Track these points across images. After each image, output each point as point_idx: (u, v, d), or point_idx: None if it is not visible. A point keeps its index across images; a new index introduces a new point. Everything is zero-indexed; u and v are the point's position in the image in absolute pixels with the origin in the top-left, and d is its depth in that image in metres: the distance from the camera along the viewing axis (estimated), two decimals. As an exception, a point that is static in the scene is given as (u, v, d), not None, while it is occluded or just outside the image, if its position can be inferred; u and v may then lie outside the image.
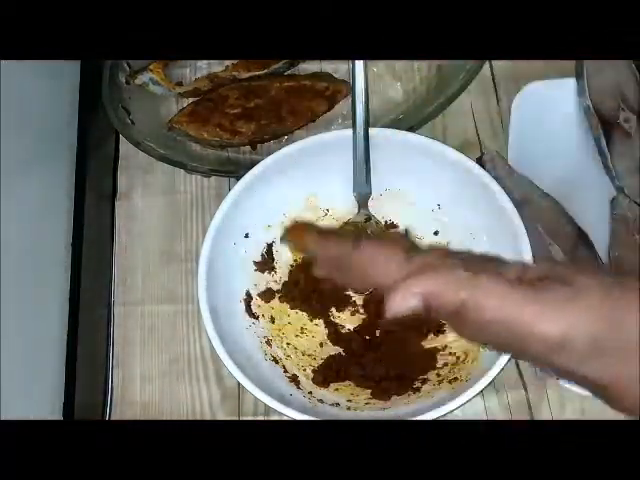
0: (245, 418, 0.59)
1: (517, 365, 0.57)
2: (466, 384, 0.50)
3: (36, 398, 0.56)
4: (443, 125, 0.67)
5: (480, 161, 0.59)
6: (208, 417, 0.59)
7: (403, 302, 0.34)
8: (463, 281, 0.34)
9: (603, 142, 0.60)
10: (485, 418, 0.56)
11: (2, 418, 0.48)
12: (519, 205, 0.55)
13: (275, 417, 0.58)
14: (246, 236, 0.59)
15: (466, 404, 0.48)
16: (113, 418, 0.61)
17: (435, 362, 0.56)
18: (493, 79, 0.69)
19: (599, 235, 0.58)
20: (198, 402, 0.60)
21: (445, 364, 0.55)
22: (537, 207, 0.58)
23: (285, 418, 0.50)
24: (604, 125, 0.60)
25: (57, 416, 0.57)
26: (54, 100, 0.66)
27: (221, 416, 0.59)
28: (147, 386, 0.61)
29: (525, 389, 0.57)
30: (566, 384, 0.55)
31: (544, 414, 0.56)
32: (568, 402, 0.56)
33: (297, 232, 0.44)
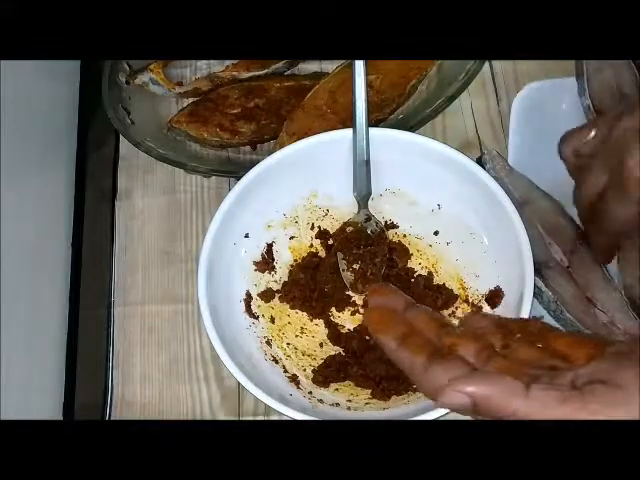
0: (245, 418, 0.59)
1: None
2: None
3: (36, 398, 0.56)
4: (443, 125, 0.67)
5: (480, 161, 0.59)
6: (208, 417, 0.59)
7: (453, 398, 0.36)
8: (516, 391, 0.35)
9: (603, 142, 0.60)
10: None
11: (2, 418, 0.48)
12: (519, 205, 0.55)
13: (275, 417, 0.58)
14: (246, 236, 0.59)
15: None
16: (113, 418, 0.61)
17: None
18: (493, 79, 0.69)
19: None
20: (198, 402, 0.60)
21: None
22: (537, 207, 0.58)
23: (285, 418, 0.50)
24: (604, 125, 0.60)
25: (57, 416, 0.57)
26: (54, 100, 0.66)
27: (221, 416, 0.59)
28: (147, 386, 0.61)
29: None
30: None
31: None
32: (568, 402, 0.56)
33: (377, 324, 0.44)
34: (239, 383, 0.50)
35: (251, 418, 0.59)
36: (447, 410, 0.47)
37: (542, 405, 0.34)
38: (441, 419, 0.47)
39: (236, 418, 0.59)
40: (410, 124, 0.62)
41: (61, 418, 0.57)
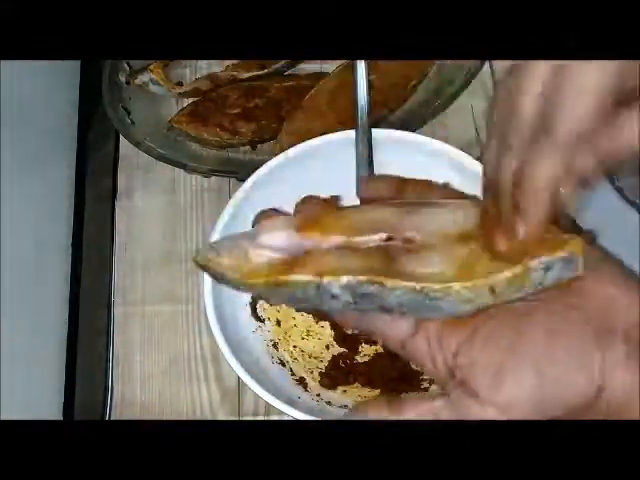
0: (245, 418, 0.59)
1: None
2: None
3: (36, 398, 0.56)
4: (443, 125, 0.67)
5: (481, 161, 0.59)
6: (208, 417, 0.59)
7: None
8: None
9: (603, 142, 0.60)
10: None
11: (2, 418, 0.48)
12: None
13: (275, 417, 0.58)
14: (251, 239, 0.59)
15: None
16: (113, 418, 0.61)
17: None
18: (493, 79, 0.69)
19: (599, 235, 0.58)
20: (198, 402, 0.60)
21: None
22: (537, 207, 0.58)
23: (287, 418, 0.50)
24: (604, 125, 0.60)
25: (57, 416, 0.57)
26: (54, 100, 0.66)
27: (221, 416, 0.59)
28: (147, 386, 0.61)
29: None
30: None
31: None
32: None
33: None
34: (239, 383, 0.50)
35: (251, 418, 0.59)
36: None
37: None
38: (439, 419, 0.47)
39: (236, 418, 0.59)
40: (410, 124, 0.62)
41: (61, 418, 0.57)
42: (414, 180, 0.41)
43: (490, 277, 0.33)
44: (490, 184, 0.36)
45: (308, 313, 0.59)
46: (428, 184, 0.41)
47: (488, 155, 0.36)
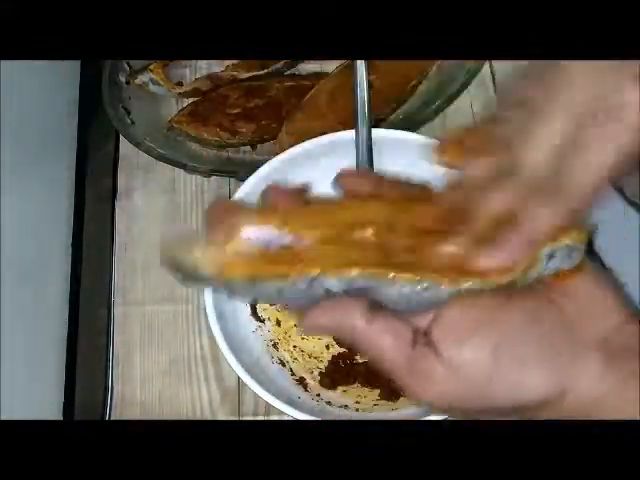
0: (245, 418, 0.59)
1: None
2: None
3: (36, 398, 0.56)
4: (443, 125, 0.67)
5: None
6: (208, 417, 0.59)
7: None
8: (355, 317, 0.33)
9: (603, 142, 0.60)
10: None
11: (2, 418, 0.48)
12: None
13: (275, 417, 0.58)
14: (250, 239, 0.59)
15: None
16: (113, 418, 0.61)
17: None
18: (493, 79, 0.69)
19: (599, 235, 0.58)
20: (198, 402, 0.60)
21: None
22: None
23: (287, 418, 0.50)
24: (604, 125, 0.60)
25: (57, 416, 0.57)
26: (54, 100, 0.66)
27: (221, 416, 0.59)
28: (147, 386, 0.61)
29: (525, 389, 0.57)
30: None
31: (544, 414, 0.56)
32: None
33: None
34: (239, 383, 0.50)
35: (251, 418, 0.59)
36: None
37: (377, 338, 0.33)
38: (440, 419, 0.47)
39: (236, 418, 0.59)
40: (410, 124, 0.62)
41: (61, 418, 0.57)
42: (392, 177, 0.40)
43: (505, 274, 0.32)
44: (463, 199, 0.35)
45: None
46: (407, 182, 0.40)
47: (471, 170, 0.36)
